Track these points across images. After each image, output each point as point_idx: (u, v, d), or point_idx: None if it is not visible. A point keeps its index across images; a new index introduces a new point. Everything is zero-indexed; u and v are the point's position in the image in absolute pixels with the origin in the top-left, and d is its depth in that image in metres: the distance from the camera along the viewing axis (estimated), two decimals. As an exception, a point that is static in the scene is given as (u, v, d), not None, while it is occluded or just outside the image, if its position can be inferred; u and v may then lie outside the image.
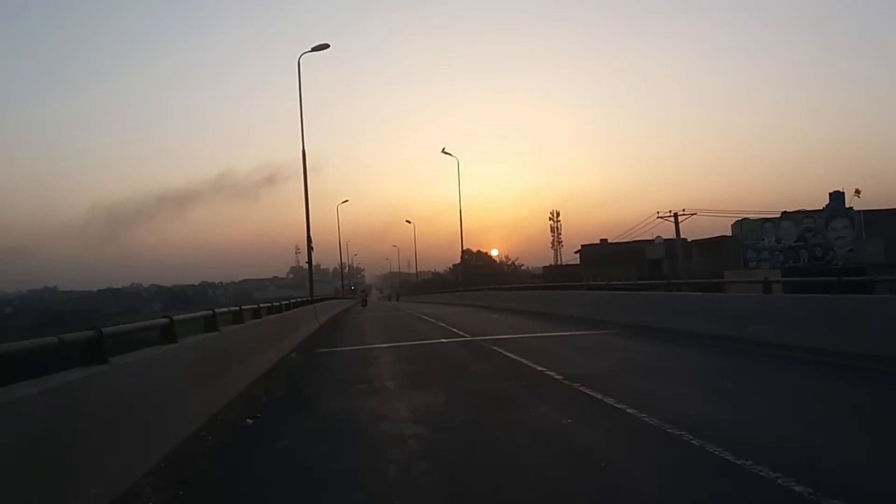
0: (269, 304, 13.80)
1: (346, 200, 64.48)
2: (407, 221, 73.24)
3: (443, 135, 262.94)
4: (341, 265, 58.74)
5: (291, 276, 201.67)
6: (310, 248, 21.03)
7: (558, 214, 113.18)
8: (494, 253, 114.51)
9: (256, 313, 11.74)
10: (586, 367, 9.55)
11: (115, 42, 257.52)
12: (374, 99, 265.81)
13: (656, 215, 38.93)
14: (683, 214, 37.98)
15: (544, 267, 75.31)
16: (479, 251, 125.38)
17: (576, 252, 66.50)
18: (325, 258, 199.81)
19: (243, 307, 10.29)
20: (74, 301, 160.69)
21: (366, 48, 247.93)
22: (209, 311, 8.41)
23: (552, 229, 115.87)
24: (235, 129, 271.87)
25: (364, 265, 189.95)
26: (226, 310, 9.51)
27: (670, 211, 38.11)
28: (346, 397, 7.97)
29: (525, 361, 10.09)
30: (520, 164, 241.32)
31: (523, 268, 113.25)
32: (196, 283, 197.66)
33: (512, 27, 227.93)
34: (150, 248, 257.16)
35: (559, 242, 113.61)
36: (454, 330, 17.48)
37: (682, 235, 41.42)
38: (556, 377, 8.43)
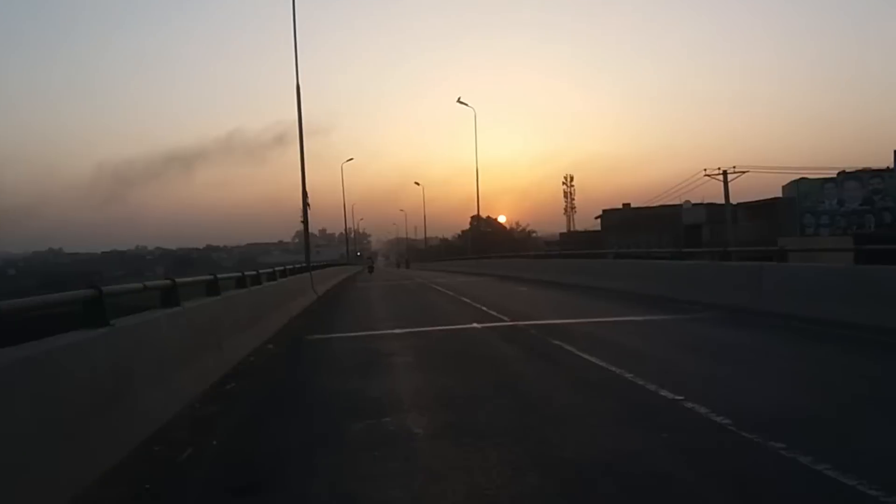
0: (240, 274, 10.07)
1: (352, 159, 59.19)
2: (416, 183, 69.15)
3: (452, 98, 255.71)
4: (346, 230, 54.76)
5: (297, 240, 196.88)
6: (305, 205, 17.15)
7: (572, 179, 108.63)
8: (502, 219, 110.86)
9: (212, 287, 7.97)
10: (745, 391, 5.72)
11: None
12: (386, 61, 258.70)
13: (703, 173, 34.49)
14: (733, 173, 33.68)
15: (561, 234, 71.27)
16: (488, 217, 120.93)
17: (596, 217, 62.43)
18: (332, 223, 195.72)
19: (178, 280, 6.48)
20: (79, 263, 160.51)
21: (381, 6, 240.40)
22: (93, 290, 4.68)
23: (565, 194, 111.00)
24: (248, 86, 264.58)
25: (370, 230, 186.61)
26: (146, 285, 5.76)
27: (719, 168, 33.76)
28: (332, 464, 4.18)
29: (628, 376, 6.27)
30: (531, 129, 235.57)
31: (534, 235, 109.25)
32: (201, 247, 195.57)
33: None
34: (156, 208, 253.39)
35: (572, 208, 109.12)
36: (485, 309, 13.68)
37: (719, 198, 37.30)
38: (719, 421, 4.62)
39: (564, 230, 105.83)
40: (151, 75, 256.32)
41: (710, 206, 39.03)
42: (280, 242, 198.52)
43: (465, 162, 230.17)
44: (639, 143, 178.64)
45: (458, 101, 34.38)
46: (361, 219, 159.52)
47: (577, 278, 20.38)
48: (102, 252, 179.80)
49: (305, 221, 18.10)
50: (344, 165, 59.22)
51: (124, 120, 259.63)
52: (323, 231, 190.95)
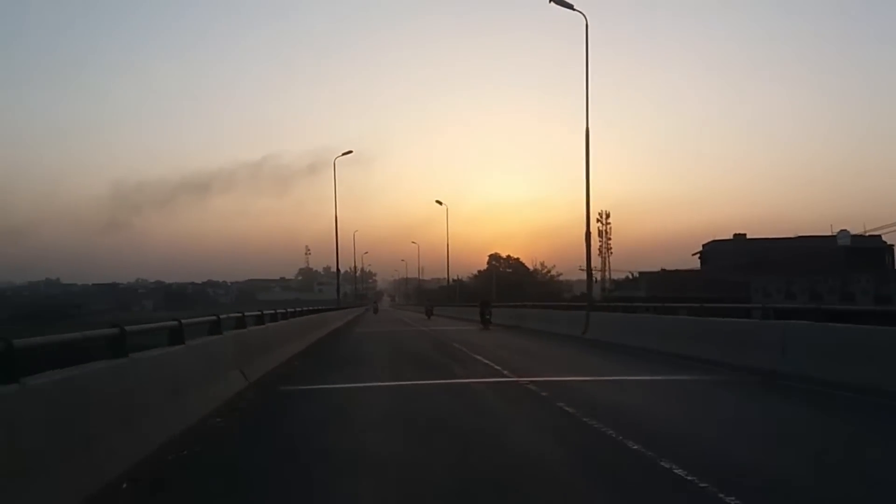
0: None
1: (350, 151, 39.68)
2: (437, 202, 52.31)
3: (484, 136, 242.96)
4: (337, 251, 36.47)
5: (300, 277, 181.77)
6: None
7: (608, 216, 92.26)
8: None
9: None
10: None
11: (161, 12, 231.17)
12: (425, 95, 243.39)
13: None
14: None
15: (640, 273, 52.25)
16: (508, 257, 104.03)
17: (694, 254, 45.03)
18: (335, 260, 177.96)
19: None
20: (70, 295, 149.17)
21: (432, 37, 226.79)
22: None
23: (600, 233, 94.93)
24: (292, 109, 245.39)
25: (377, 269, 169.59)
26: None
27: None
28: None
29: None
30: (556, 172, 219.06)
31: (560, 277, 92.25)
32: (200, 282, 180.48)
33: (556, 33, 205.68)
34: (166, 238, 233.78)
35: (608, 249, 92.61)
36: None
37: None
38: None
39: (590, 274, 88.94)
40: (191, 96, 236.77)
41: None
42: (282, 279, 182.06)
43: (486, 201, 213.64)
44: (682, 184, 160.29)
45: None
46: (366, 252, 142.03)
47: None
48: (94, 284, 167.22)
49: None
50: (339, 162, 41.74)
51: (151, 140, 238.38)
52: (328, 269, 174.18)
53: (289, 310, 15.42)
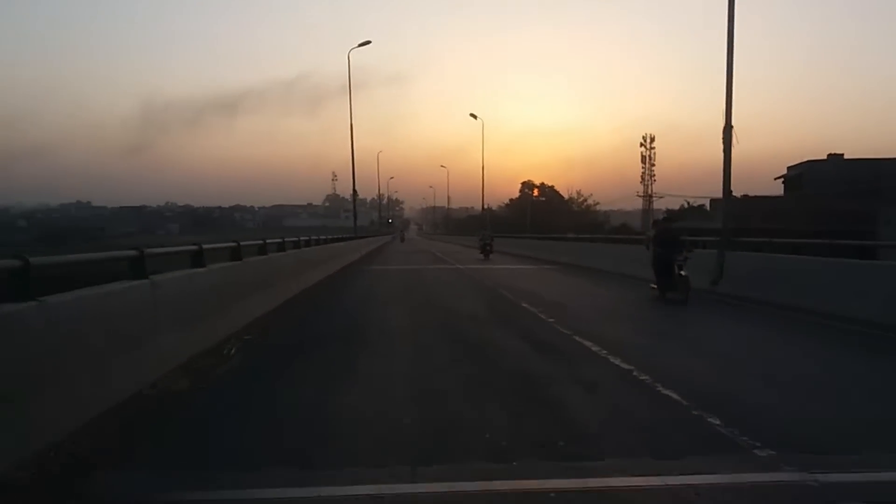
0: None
1: (369, 42, 29.97)
2: (472, 116, 44.69)
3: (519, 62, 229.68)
4: (353, 162, 29.88)
5: (327, 204, 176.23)
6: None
7: (652, 140, 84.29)
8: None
9: None
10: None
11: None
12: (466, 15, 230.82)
13: None
14: None
15: (716, 199, 44.18)
16: (542, 184, 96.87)
17: (777, 178, 37.98)
18: (365, 187, 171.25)
19: None
20: (98, 218, 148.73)
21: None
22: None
23: (643, 158, 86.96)
24: (331, 25, 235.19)
25: (403, 197, 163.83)
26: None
27: None
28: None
29: None
30: (601, 96, 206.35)
31: (597, 207, 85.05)
32: (227, 206, 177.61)
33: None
34: (195, 159, 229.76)
35: (651, 176, 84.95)
36: None
37: None
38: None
39: (633, 204, 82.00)
40: (224, 9, 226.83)
41: None
42: (309, 205, 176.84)
43: (519, 130, 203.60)
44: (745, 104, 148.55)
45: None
46: (392, 177, 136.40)
47: None
48: (123, 206, 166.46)
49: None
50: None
51: (184, 53, 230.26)
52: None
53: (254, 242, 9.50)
